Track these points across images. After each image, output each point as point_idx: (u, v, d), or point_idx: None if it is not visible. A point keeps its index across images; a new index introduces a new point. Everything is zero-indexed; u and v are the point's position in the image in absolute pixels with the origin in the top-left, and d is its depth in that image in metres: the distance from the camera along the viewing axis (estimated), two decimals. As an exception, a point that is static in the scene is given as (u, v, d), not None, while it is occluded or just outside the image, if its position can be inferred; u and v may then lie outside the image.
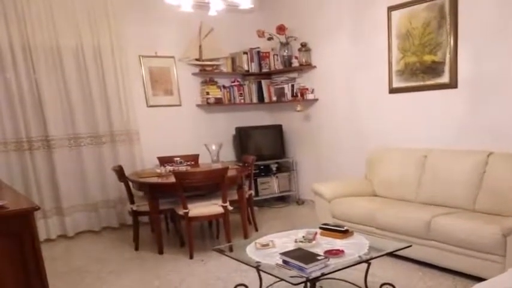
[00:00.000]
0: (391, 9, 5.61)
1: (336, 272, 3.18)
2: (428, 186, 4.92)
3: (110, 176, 6.14)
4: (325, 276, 3.19)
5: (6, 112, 5.73)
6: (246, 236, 5.43)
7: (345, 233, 3.76)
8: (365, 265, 3.57)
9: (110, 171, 5.97)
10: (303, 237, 3.66)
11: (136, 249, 5.52)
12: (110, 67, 6.28)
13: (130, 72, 6.50)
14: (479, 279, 3.44)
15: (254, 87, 7.63)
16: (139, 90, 6.69)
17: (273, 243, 3.63)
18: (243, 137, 7.37)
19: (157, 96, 6.86)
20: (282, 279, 3.11)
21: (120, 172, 5.54)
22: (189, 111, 7.17)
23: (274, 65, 7.44)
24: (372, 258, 3.43)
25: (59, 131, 6.03)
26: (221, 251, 3.85)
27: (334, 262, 3.18)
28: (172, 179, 4.97)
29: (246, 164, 6.04)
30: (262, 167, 7.40)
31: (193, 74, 7.14)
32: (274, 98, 7.56)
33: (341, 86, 6.53)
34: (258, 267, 3.34)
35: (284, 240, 3.72)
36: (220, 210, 5.12)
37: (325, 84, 6.78)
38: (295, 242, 3.60)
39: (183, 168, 5.68)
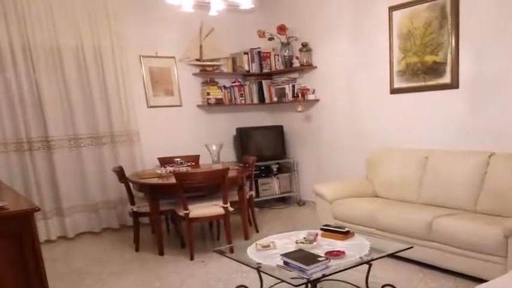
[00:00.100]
0: (392, 9, 5.59)
1: (337, 274, 3.18)
2: (430, 187, 4.91)
3: (110, 177, 6.12)
4: (326, 278, 3.17)
5: (6, 112, 5.72)
6: (246, 237, 5.42)
7: (346, 234, 3.75)
8: (366, 266, 3.57)
9: (110, 172, 5.95)
10: (304, 238, 3.66)
11: (137, 250, 5.50)
12: (110, 67, 6.27)
13: (130, 73, 6.49)
14: (481, 281, 3.42)
15: (255, 88, 7.61)
16: (139, 91, 6.68)
17: (273, 245, 3.63)
18: (243, 138, 7.35)
19: (158, 97, 6.85)
20: (282, 281, 3.09)
21: (120, 173, 5.53)
22: (189, 111, 7.16)
23: (275, 65, 7.43)
24: (373, 260, 3.42)
25: (59, 132, 6.02)
26: (222, 252, 3.84)
27: (335, 263, 3.18)
28: (172, 180, 4.96)
29: (247, 165, 6.03)
30: (263, 167, 7.39)
31: (194, 74, 7.13)
32: (275, 99, 7.54)
33: (342, 86, 6.51)
34: (258, 269, 3.33)
35: (285, 242, 3.71)
36: (221, 211, 5.10)
37: (326, 85, 6.77)
38: (296, 243, 3.60)
39: (183, 169, 5.66)
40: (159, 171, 5.65)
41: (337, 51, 6.49)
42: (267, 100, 7.64)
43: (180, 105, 7.06)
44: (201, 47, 7.04)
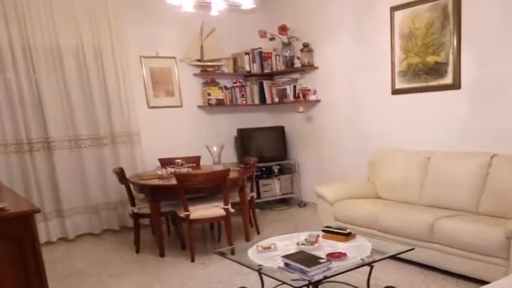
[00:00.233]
0: (393, 9, 5.57)
1: (338, 275, 3.16)
2: (432, 188, 4.89)
3: (111, 178, 6.11)
4: (328, 280, 3.16)
5: (6, 112, 5.71)
6: (247, 239, 5.41)
7: (348, 236, 3.74)
8: (368, 268, 3.54)
9: (110, 173, 5.94)
10: (305, 240, 3.64)
11: (137, 252, 5.49)
12: (110, 67, 6.26)
13: (131, 73, 6.48)
14: (483, 283, 3.41)
15: (256, 88, 7.59)
16: (140, 91, 6.66)
17: (275, 246, 3.61)
18: (244, 139, 7.33)
19: (159, 97, 6.84)
20: (284, 283, 3.08)
21: (121, 174, 5.51)
22: (190, 112, 7.15)
23: (276, 65, 7.42)
24: (374, 261, 3.40)
25: (59, 133, 6.01)
26: (223, 254, 3.82)
27: (336, 265, 3.17)
28: (173, 181, 4.93)
29: (248, 166, 6.01)
30: (264, 168, 7.38)
31: (195, 74, 7.11)
32: (276, 99, 7.53)
33: (343, 86, 6.50)
34: (259, 271, 3.33)
35: (286, 243, 3.70)
36: (222, 212, 5.09)
37: (328, 85, 6.76)
38: (297, 244, 3.59)
39: (184, 170, 5.64)
40: (159, 173, 5.63)
41: (338, 52, 6.48)
42: (268, 101, 7.62)
43: (181, 106, 7.05)
44: (201, 47, 7.03)
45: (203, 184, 5.04)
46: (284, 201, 7.76)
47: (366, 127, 6.24)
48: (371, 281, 3.71)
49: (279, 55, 7.34)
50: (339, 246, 3.58)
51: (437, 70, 5.23)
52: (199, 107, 7.22)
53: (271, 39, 7.04)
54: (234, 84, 7.47)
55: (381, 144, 5.88)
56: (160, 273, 4.75)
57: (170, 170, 5.65)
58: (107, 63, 6.23)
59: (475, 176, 4.53)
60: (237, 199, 5.44)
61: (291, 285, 2.94)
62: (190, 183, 4.92)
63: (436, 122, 5.34)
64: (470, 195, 4.53)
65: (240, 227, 5.57)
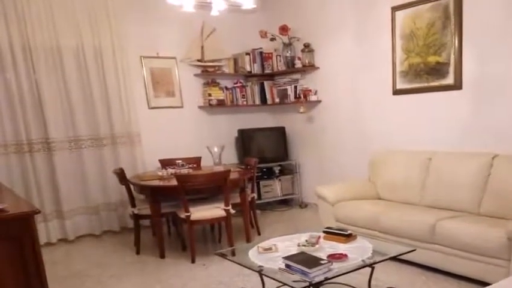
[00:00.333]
0: (395, 9, 5.56)
1: (339, 277, 3.14)
2: (433, 189, 4.87)
3: (111, 179, 6.09)
4: (329, 281, 3.15)
5: (6, 113, 5.70)
6: (248, 240, 5.40)
7: (349, 237, 3.73)
8: (369, 269, 3.53)
9: (111, 174, 5.93)
10: (306, 241, 3.63)
11: (138, 253, 5.47)
12: (110, 68, 6.25)
13: (131, 73, 6.47)
14: (484, 284, 3.42)
15: (257, 89, 7.58)
16: (140, 92, 6.65)
17: (275, 247, 3.60)
18: (245, 139, 7.32)
19: (159, 98, 6.83)
20: (284, 284, 3.08)
21: (121, 175, 5.50)
22: (191, 113, 7.13)
23: (277, 66, 7.41)
24: (375, 263, 3.40)
25: (60, 133, 6.00)
26: (223, 255, 3.81)
27: (337, 266, 3.16)
28: (174, 182, 4.92)
29: (249, 167, 6.00)
30: (264, 169, 7.36)
31: (195, 75, 7.10)
32: (277, 100, 7.51)
33: (344, 87, 6.49)
34: (260, 272, 3.33)
35: (287, 244, 3.69)
36: (223, 213, 5.08)
37: (329, 86, 6.74)
38: (298, 246, 3.57)
39: (184, 171, 5.63)
40: (160, 173, 5.62)
41: (339, 52, 6.47)
42: (269, 101, 7.61)
43: (182, 107, 7.04)
44: (202, 47, 7.02)
45: (204, 185, 5.03)
46: (285, 202, 7.74)
47: (366, 127, 6.22)
48: (372, 283, 3.70)
49: (279, 55, 7.32)
50: (340, 247, 3.57)
51: (438, 70, 5.22)
52: (199, 107, 7.21)
53: (272, 39, 7.02)
54: (235, 85, 7.45)
55: (382, 145, 5.87)
56: (161, 274, 4.74)
57: (171, 170, 5.63)
58: (107, 63, 6.22)
59: (476, 177, 4.51)
60: (238, 200, 5.43)
61: (291, 287, 2.93)
62: (191, 184, 4.91)
63: (437, 122, 5.32)
64: (472, 196, 4.51)
65: (241, 228, 5.55)
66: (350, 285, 3.82)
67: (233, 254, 3.84)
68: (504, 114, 4.69)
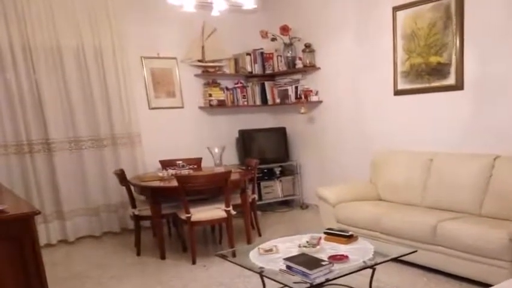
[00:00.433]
0: (396, 9, 5.54)
1: (341, 278, 3.14)
2: (434, 190, 4.86)
3: (111, 180, 6.08)
4: (330, 282, 3.13)
5: (6, 113, 5.69)
6: (249, 241, 5.38)
7: (350, 238, 3.72)
8: (370, 271, 3.54)
9: (111, 175, 5.92)
10: (307, 242, 3.62)
11: (138, 254, 5.46)
12: (111, 68, 6.24)
13: (131, 74, 6.46)
14: (486, 286, 3.42)
15: (257, 89, 7.57)
16: (141, 92, 6.64)
17: (276, 249, 3.59)
18: (246, 140, 7.31)
19: (160, 98, 6.82)
20: (285, 285, 3.08)
21: (121, 176, 5.48)
22: (191, 113, 7.12)
23: (278, 66, 7.39)
24: (376, 264, 3.40)
25: (60, 134, 5.99)
26: (224, 256, 3.81)
27: (338, 268, 3.15)
28: (174, 183, 4.91)
29: (249, 168, 5.98)
30: (265, 170, 7.35)
31: (196, 75, 7.09)
32: (277, 100, 7.50)
33: (345, 87, 6.47)
34: (261, 273, 3.33)
35: (288, 245, 3.68)
36: (223, 214, 5.07)
37: (329, 86, 6.73)
38: (299, 247, 3.57)
39: (185, 171, 5.63)
40: (160, 174, 5.61)
41: (340, 52, 6.45)
42: (270, 102, 7.60)
43: (182, 107, 7.03)
44: (203, 47, 7.01)
45: (204, 186, 5.02)
46: (286, 203, 7.72)
47: (368, 128, 6.21)
48: (373, 284, 3.70)
49: (280, 56, 7.30)
50: (341, 248, 3.57)
51: (440, 71, 5.20)
52: (200, 108, 7.20)
53: (273, 39, 7.00)
54: (236, 85, 7.44)
55: (383, 146, 5.85)
56: (161, 275, 4.73)
57: (171, 171, 5.63)
58: (107, 63, 6.21)
59: (478, 178, 4.50)
60: (239, 201, 5.43)
61: (292, 288, 2.92)
62: (192, 185, 4.90)
63: (439, 123, 5.30)
64: (473, 197, 4.50)
65: (242, 229, 5.54)
66: (351, 287, 3.80)
67: (234, 255, 3.85)
68: (506, 114, 4.67)
